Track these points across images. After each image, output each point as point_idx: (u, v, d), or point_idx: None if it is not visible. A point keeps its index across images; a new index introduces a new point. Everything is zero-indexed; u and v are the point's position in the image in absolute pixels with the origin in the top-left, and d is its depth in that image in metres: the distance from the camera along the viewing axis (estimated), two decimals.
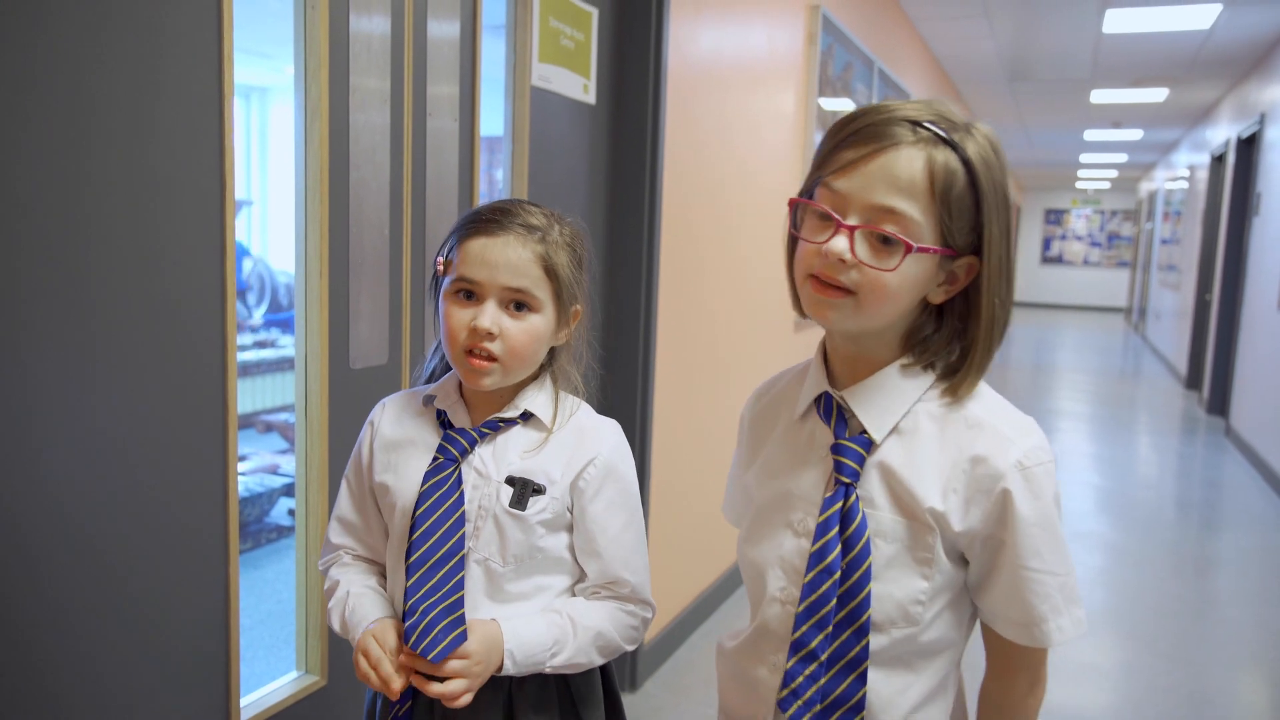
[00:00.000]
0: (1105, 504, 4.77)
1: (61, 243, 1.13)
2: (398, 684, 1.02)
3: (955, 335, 0.91)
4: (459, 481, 1.07)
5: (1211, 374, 7.26)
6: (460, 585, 1.06)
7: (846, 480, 0.90)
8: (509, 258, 1.05)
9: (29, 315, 1.10)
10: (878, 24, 4.80)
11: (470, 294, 1.06)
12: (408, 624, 1.05)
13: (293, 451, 4.57)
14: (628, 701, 2.51)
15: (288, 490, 4.00)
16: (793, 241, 0.93)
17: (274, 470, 4.12)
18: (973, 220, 0.86)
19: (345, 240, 1.55)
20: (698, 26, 2.63)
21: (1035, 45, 6.30)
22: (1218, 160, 7.93)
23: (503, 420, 1.10)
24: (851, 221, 0.85)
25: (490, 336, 1.04)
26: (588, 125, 2.28)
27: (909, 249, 0.83)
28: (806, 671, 0.90)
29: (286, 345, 5.63)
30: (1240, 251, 6.77)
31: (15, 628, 1.12)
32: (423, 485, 1.08)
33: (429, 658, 1.02)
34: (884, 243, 0.84)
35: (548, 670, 1.07)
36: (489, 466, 1.09)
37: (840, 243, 0.84)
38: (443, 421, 1.12)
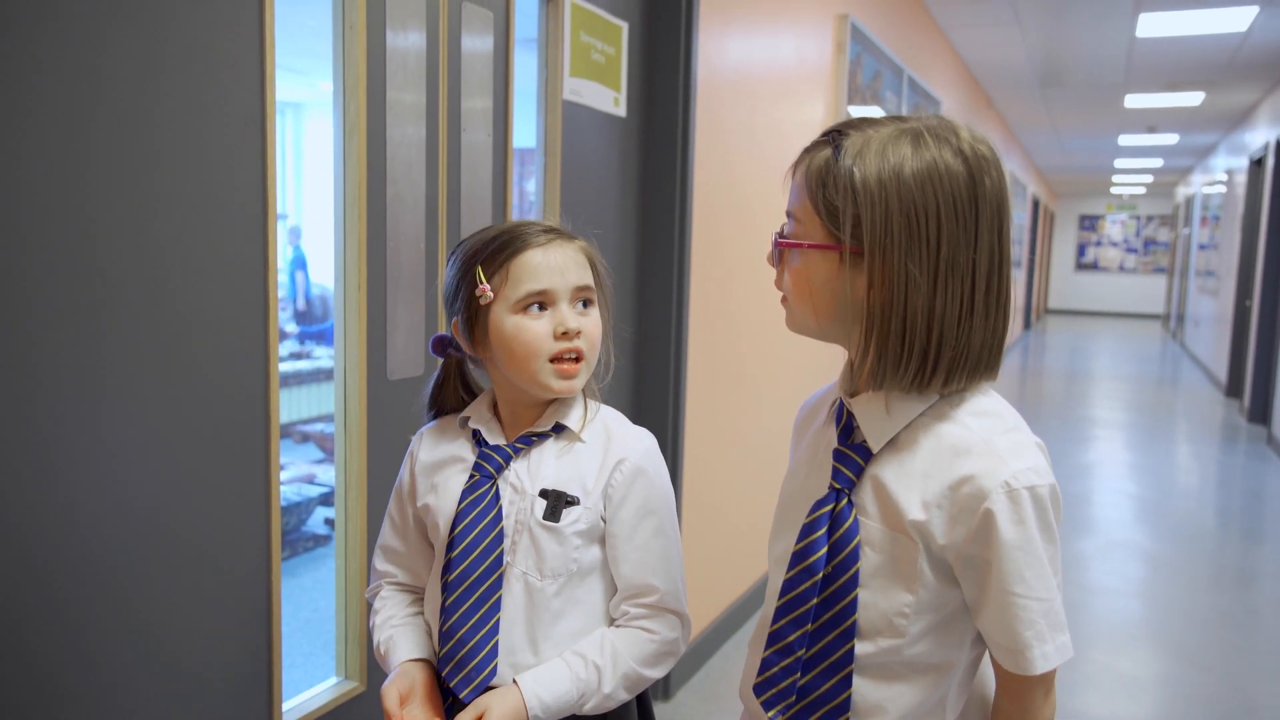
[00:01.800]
0: (1144, 514, 4.70)
1: (104, 260, 1.16)
2: None
3: (872, 341, 0.89)
4: (496, 498, 1.09)
5: (1252, 381, 7.13)
6: (498, 606, 1.07)
7: (837, 485, 0.92)
8: (570, 259, 1.09)
9: (70, 333, 1.14)
10: (907, 32, 4.80)
11: (536, 305, 1.08)
12: (442, 653, 1.07)
13: (329, 461, 4.63)
14: (661, 711, 2.52)
15: (324, 499, 4.06)
16: None
17: (310, 480, 4.18)
18: (848, 212, 0.86)
19: (383, 254, 1.58)
20: (726, 38, 2.65)
21: (1067, 51, 6.25)
22: (1256, 164, 7.81)
23: (536, 435, 1.11)
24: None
25: (578, 334, 1.08)
26: (618, 138, 2.31)
27: (783, 245, 0.93)
28: (782, 664, 0.92)
29: (321, 356, 5.70)
30: None
31: (73, 635, 1.16)
32: (460, 504, 1.09)
33: (461, 696, 1.05)
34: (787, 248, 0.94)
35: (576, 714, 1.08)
36: (524, 481, 1.10)
37: (770, 252, 0.97)
38: (478, 441, 1.13)
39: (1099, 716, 2.65)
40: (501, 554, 1.08)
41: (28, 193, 1.07)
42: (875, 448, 0.91)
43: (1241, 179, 8.37)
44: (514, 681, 1.06)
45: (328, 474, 4.25)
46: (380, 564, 1.22)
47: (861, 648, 0.91)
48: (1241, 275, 7.91)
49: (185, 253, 1.25)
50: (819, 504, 0.93)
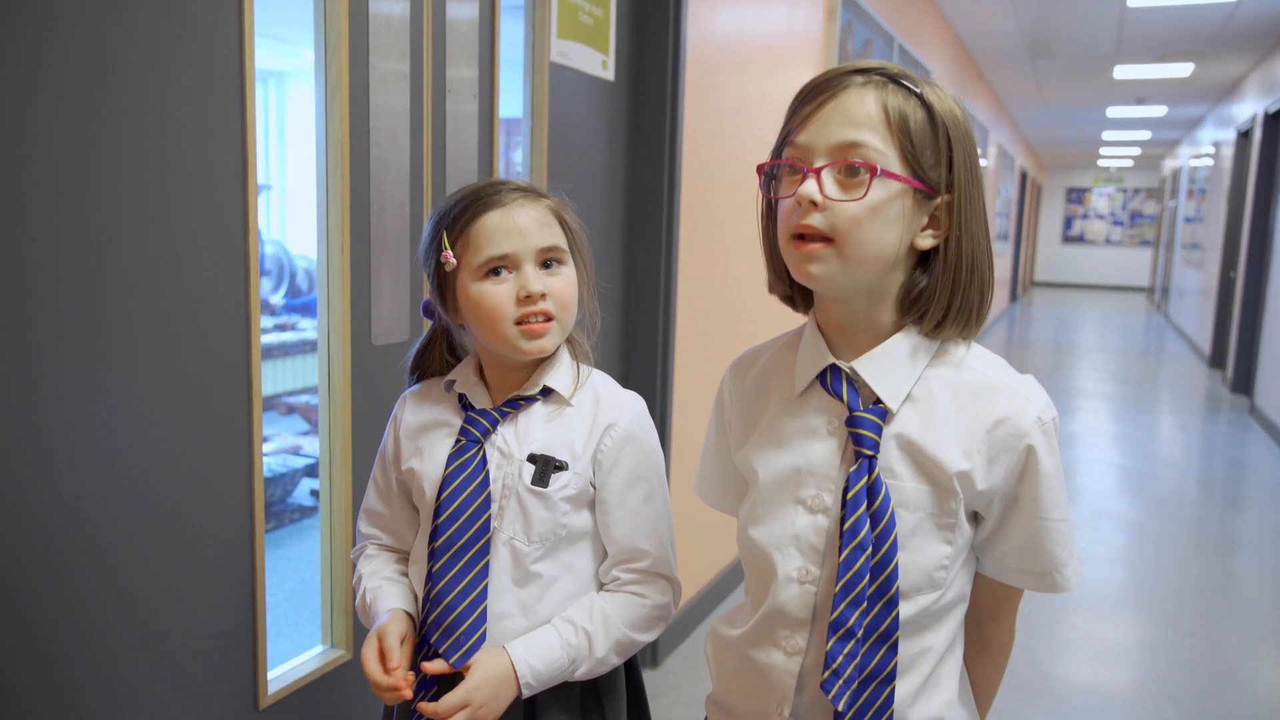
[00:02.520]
0: (1128, 483, 4.74)
1: (84, 229, 1.13)
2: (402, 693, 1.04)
3: (948, 286, 0.89)
4: (483, 463, 1.07)
5: (1236, 352, 7.18)
6: (485, 572, 1.06)
7: (869, 452, 0.88)
8: (532, 219, 1.06)
9: (53, 304, 1.11)
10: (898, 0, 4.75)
11: (498, 270, 1.05)
12: (431, 619, 1.06)
13: (314, 433, 4.60)
14: (649, 678, 2.53)
15: (310, 471, 4.04)
16: (769, 210, 0.94)
17: (296, 451, 4.16)
18: (938, 153, 0.86)
19: (366, 218, 1.55)
20: (717, 1, 2.61)
21: (1058, 21, 6.21)
22: (1244, 136, 7.81)
23: (523, 398, 1.09)
24: (818, 165, 0.86)
25: (543, 297, 1.05)
26: (606, 101, 2.27)
27: (873, 172, 0.84)
28: (846, 650, 0.88)
29: (306, 328, 5.65)
30: (1266, 228, 6.68)
31: (60, 603, 1.14)
32: (447, 469, 1.07)
33: (450, 661, 1.04)
34: (851, 176, 0.85)
35: (569, 680, 1.08)
36: (511, 445, 1.08)
37: (809, 185, 0.85)
38: (464, 404, 1.12)
39: (1083, 681, 2.68)
40: (489, 519, 1.06)
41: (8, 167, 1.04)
42: (894, 406, 0.89)
43: (1228, 151, 8.38)
44: (504, 649, 1.05)
45: (313, 446, 4.23)
46: (364, 527, 1.21)
47: (904, 610, 0.89)
48: (1227, 248, 7.94)
49: (163, 222, 1.22)
50: (855, 476, 0.89)
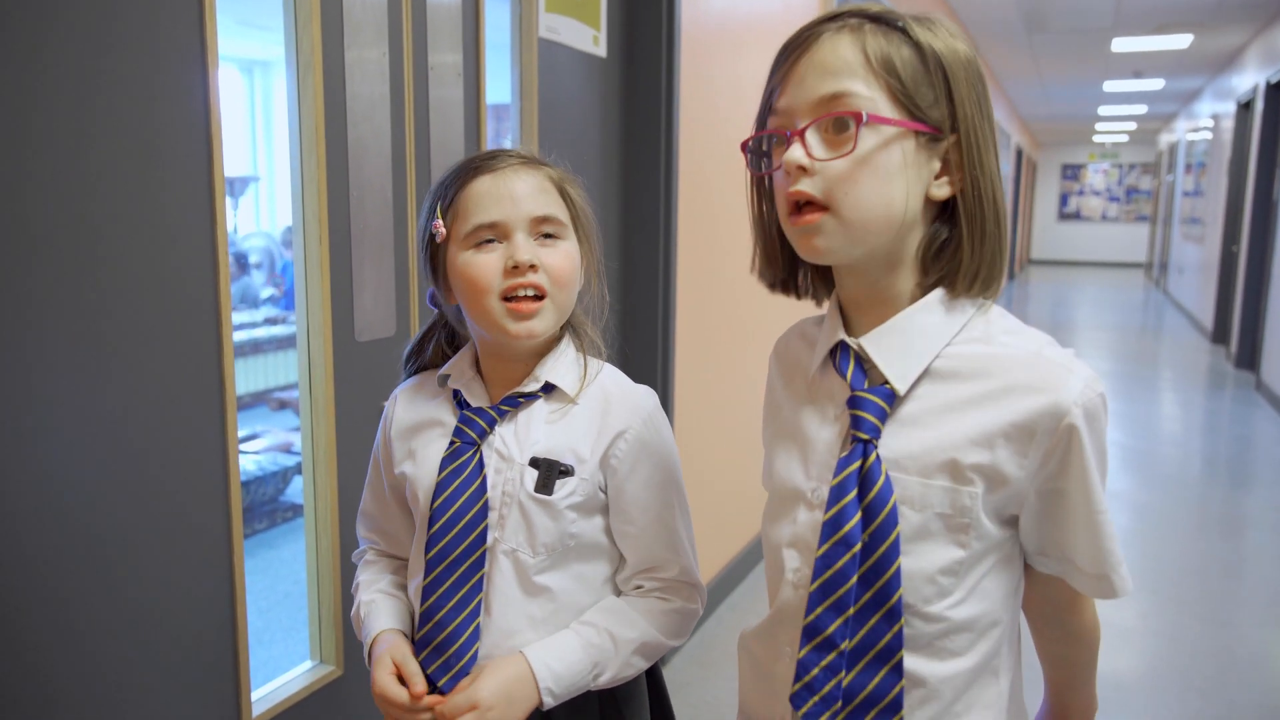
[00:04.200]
0: (1131, 462, 4.66)
1: (49, 226, 1.04)
2: None
3: (974, 236, 0.79)
4: (480, 466, 0.98)
5: (1240, 327, 7.11)
6: (479, 587, 0.97)
7: (865, 436, 0.78)
8: (528, 184, 0.97)
9: (20, 298, 1.02)
10: None
11: (489, 240, 0.96)
12: (421, 635, 0.98)
13: None
14: None
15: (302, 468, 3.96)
16: (759, 188, 0.86)
17: (288, 449, 4.07)
18: (935, 90, 0.77)
19: (345, 207, 1.45)
20: None
21: None
22: (1244, 108, 7.71)
23: (522, 395, 1.00)
24: (800, 126, 0.78)
25: (533, 269, 0.95)
26: (599, 79, 2.17)
27: (859, 120, 0.75)
28: (824, 662, 0.78)
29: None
30: (1269, 200, 6.59)
31: (14, 623, 1.05)
32: (440, 473, 0.98)
33: (439, 685, 0.95)
34: (839, 132, 0.76)
35: (592, 689, 0.99)
36: (511, 448, 0.98)
37: (795, 150, 0.77)
38: (459, 402, 1.02)
39: (1101, 670, 2.60)
40: (486, 529, 0.97)
41: None
42: (901, 388, 0.79)
43: (1228, 124, 8.28)
44: (521, 654, 0.96)
45: None
46: (362, 530, 1.14)
47: (907, 625, 0.79)
48: (1228, 221, 7.86)
49: (129, 215, 1.12)
50: (844, 462, 0.79)
